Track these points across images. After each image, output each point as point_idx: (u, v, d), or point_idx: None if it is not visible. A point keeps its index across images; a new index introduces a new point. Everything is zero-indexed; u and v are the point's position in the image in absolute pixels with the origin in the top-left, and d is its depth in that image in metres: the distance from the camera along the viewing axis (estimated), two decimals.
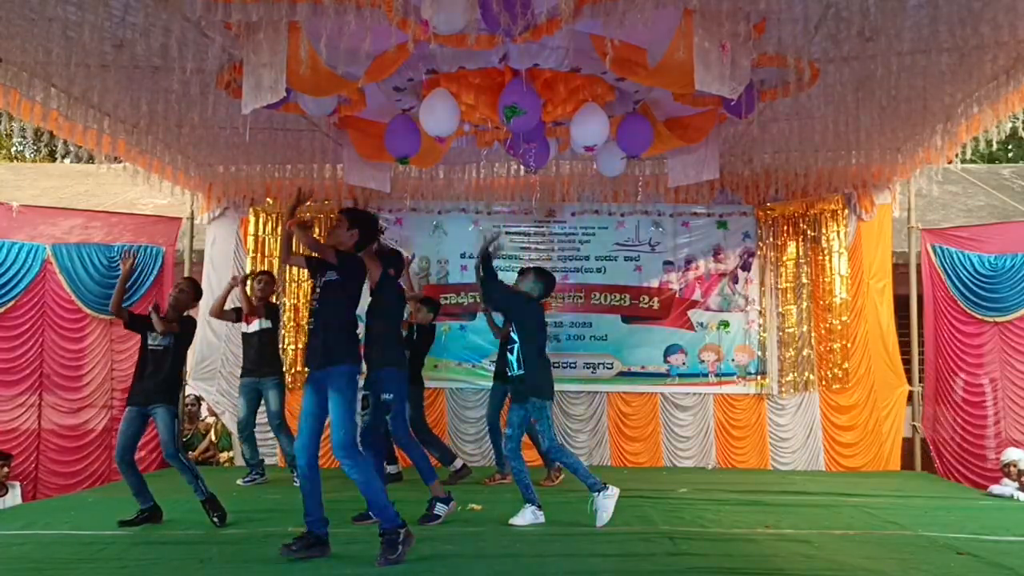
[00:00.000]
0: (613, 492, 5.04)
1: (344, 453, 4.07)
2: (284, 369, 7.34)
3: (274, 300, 7.20)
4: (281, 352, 7.49)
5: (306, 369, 6.66)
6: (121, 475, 5.15)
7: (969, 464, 7.66)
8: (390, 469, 6.21)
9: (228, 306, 6.80)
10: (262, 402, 6.84)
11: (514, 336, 5.22)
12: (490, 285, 5.23)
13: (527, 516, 5.04)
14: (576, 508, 5.26)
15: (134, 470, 5.12)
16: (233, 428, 8.14)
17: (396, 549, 4.00)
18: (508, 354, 5.26)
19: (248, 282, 6.87)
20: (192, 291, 5.51)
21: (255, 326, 6.79)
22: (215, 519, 5.01)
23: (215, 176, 7.85)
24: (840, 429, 7.98)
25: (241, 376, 6.95)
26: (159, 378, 5.13)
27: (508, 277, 7.84)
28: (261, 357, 6.80)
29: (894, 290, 8.07)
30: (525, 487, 5.12)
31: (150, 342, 5.18)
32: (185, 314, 5.37)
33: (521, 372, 5.17)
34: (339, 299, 4.26)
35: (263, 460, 6.98)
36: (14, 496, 6.65)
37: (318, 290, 4.29)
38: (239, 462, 8.01)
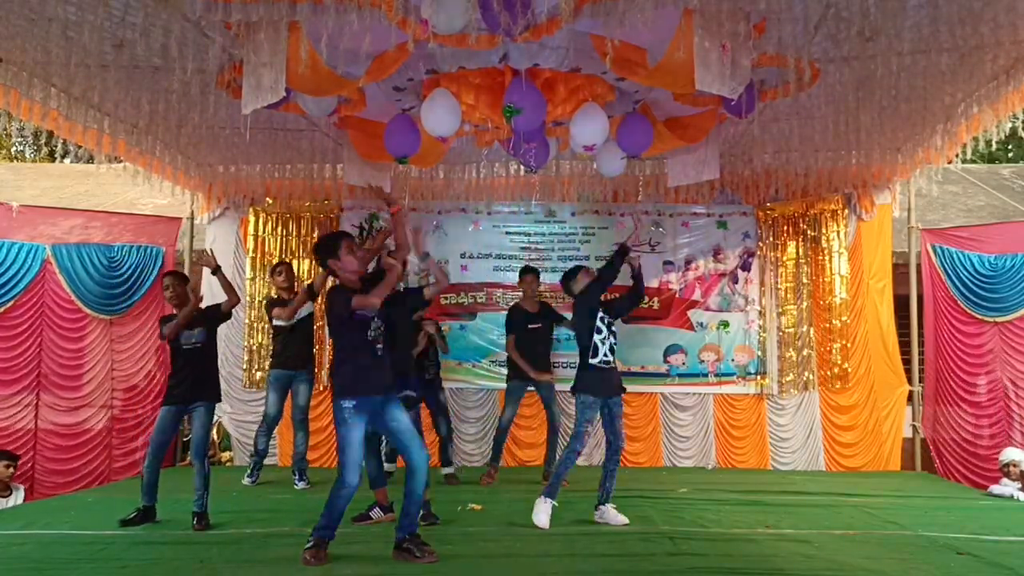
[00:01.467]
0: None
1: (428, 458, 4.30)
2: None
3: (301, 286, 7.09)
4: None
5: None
6: (146, 467, 5.12)
7: (969, 464, 7.66)
8: (388, 467, 6.23)
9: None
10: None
11: (614, 329, 5.18)
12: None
13: (548, 510, 5.01)
14: (576, 508, 5.27)
15: (158, 467, 5.14)
16: (231, 428, 8.14)
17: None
18: (603, 346, 5.11)
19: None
20: (179, 282, 5.33)
21: (299, 314, 6.64)
22: (195, 524, 4.95)
23: (215, 176, 7.84)
24: (840, 429, 7.99)
25: (272, 368, 6.80)
26: (199, 376, 5.14)
27: (511, 277, 8.01)
28: (301, 348, 6.74)
29: (894, 290, 8.07)
30: (561, 481, 5.11)
31: (183, 342, 5.16)
32: (203, 305, 5.31)
33: (615, 365, 5.20)
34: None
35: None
36: (16, 499, 6.64)
37: (375, 316, 4.23)
38: (239, 461, 8.01)
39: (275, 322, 6.75)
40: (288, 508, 5.57)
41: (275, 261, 8.05)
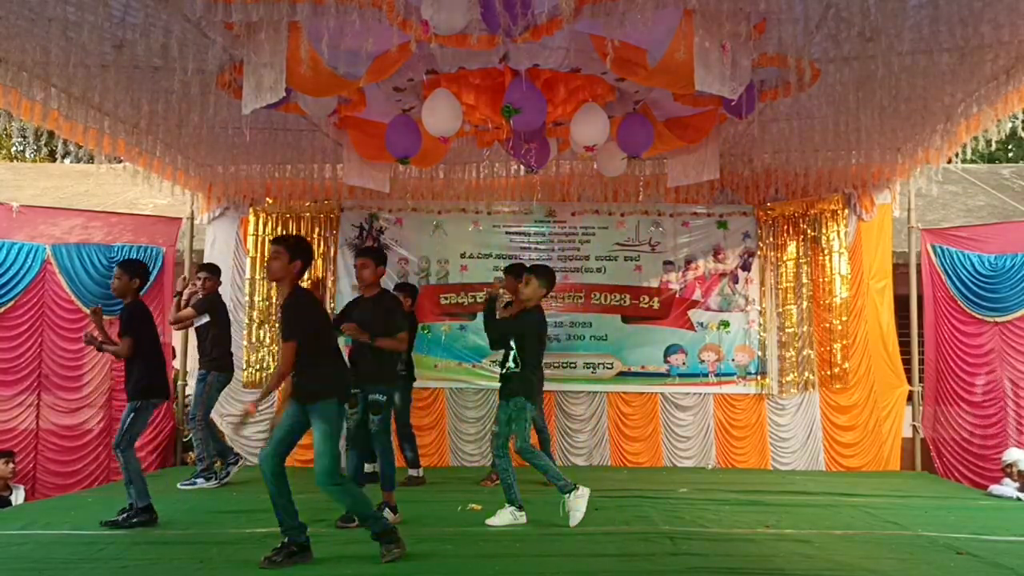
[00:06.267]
0: (583, 492, 5.04)
1: (330, 479, 4.04)
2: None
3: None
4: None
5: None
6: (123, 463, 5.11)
7: (970, 464, 7.66)
8: (368, 468, 6.21)
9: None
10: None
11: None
12: (491, 326, 5.31)
13: (505, 517, 5.01)
14: None
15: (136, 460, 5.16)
16: (223, 427, 8.10)
17: (398, 542, 4.09)
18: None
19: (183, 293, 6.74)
20: (127, 273, 5.17)
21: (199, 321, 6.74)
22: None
23: (215, 176, 7.85)
24: (840, 429, 7.98)
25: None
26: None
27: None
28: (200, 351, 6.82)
29: (894, 290, 8.07)
30: (508, 487, 5.09)
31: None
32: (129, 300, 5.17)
33: (517, 370, 5.15)
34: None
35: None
36: (17, 499, 6.64)
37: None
38: None
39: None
40: None
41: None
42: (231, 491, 6.35)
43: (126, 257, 7.97)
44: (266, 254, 8.22)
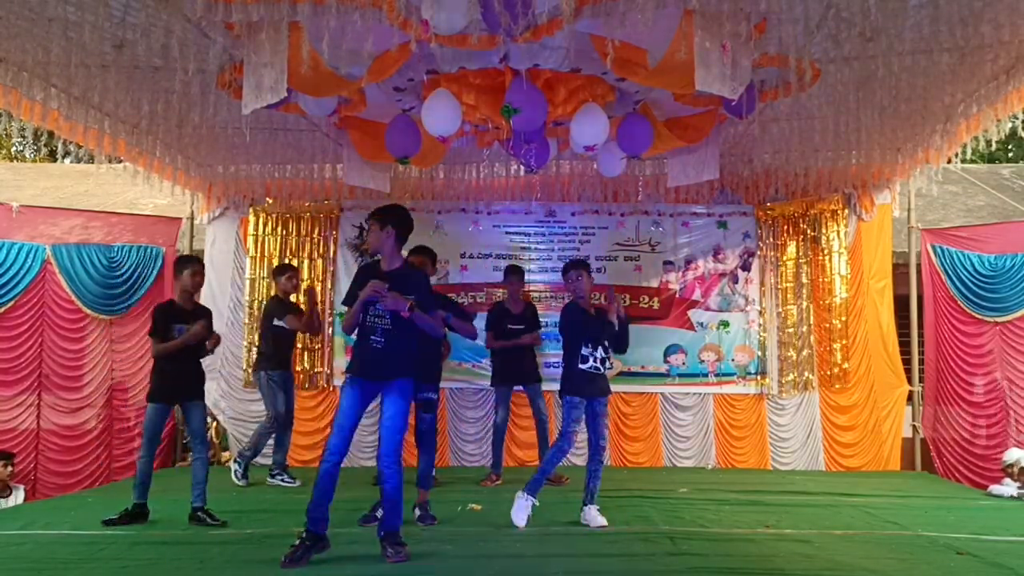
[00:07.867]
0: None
1: (395, 459, 4.16)
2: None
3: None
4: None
5: None
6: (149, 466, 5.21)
7: (970, 464, 7.66)
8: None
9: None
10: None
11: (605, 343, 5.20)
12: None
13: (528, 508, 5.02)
14: (576, 508, 5.26)
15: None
16: (230, 427, 8.10)
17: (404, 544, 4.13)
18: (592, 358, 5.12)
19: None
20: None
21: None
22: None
23: (215, 176, 7.84)
24: (840, 429, 7.99)
25: (275, 369, 6.75)
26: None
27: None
28: (292, 351, 7.05)
29: (894, 290, 8.07)
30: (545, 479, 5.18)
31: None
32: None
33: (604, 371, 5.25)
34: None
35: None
36: (16, 499, 6.64)
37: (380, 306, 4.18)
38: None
39: (278, 323, 6.77)
40: (288, 508, 5.56)
41: (276, 262, 8.06)
42: (231, 491, 6.35)
43: (126, 257, 7.99)
44: (266, 253, 8.24)
